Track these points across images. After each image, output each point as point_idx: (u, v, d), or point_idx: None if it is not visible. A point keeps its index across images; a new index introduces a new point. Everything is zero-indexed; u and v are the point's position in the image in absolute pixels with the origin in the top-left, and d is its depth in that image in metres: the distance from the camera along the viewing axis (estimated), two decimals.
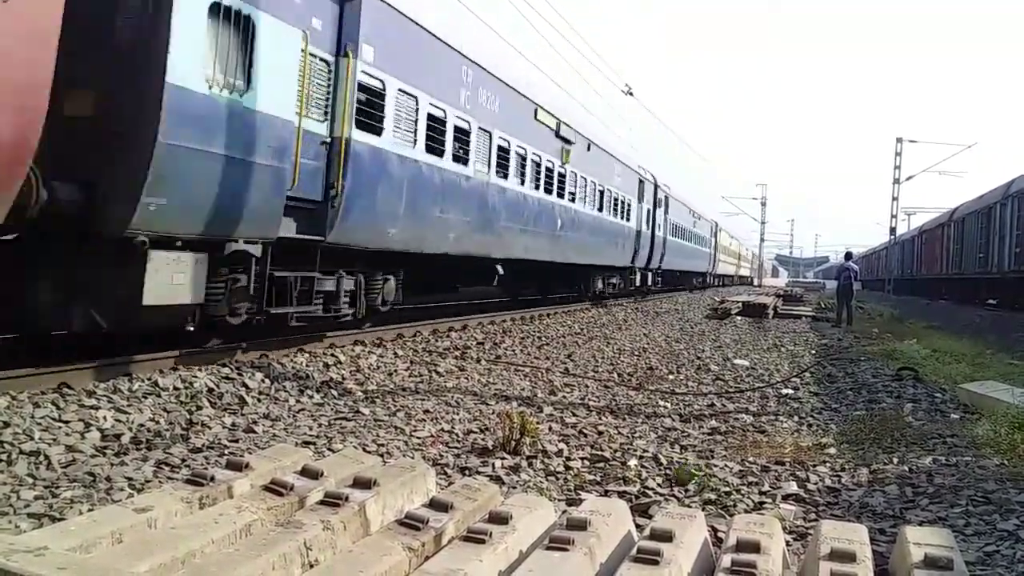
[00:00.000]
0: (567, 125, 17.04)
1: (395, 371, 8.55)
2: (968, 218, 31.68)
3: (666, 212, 30.21)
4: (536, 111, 15.10)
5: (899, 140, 40.33)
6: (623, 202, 23.06)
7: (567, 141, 17.01)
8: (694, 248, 39.80)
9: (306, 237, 8.20)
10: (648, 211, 26.77)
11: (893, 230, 43.45)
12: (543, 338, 13.07)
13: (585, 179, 18.71)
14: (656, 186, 28.17)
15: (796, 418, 7.17)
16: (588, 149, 18.83)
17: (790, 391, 8.78)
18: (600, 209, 20.40)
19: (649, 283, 28.77)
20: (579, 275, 20.85)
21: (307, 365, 8.16)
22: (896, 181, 40.98)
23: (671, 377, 9.75)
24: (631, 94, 27.70)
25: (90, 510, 3.47)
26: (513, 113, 13.81)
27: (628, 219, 23.70)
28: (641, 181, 25.85)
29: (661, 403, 7.79)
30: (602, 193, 20.49)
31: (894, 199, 41.41)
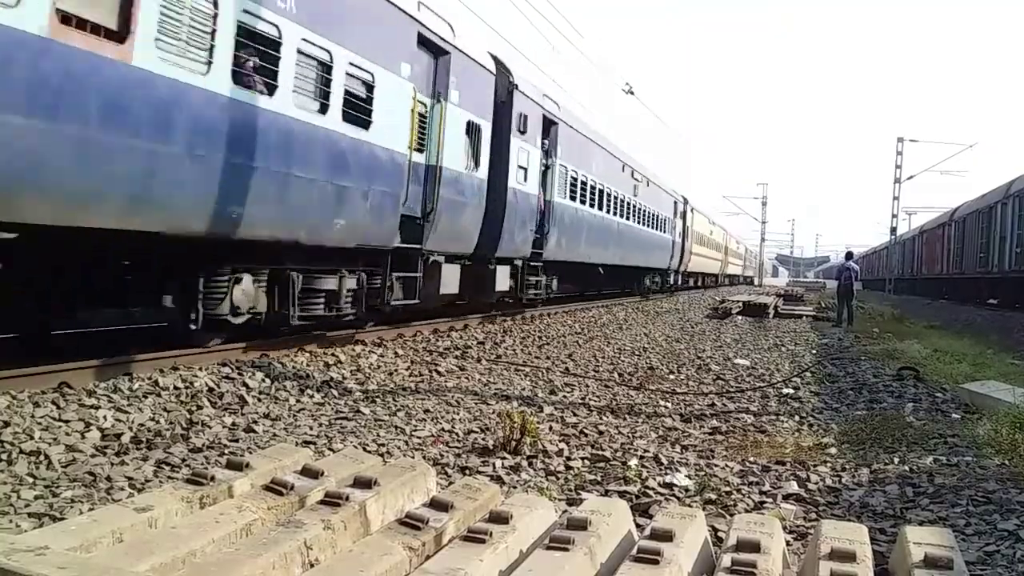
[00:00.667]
0: None
1: (395, 371, 8.55)
2: (969, 218, 31.69)
3: (552, 151, 16.05)
4: None
5: (900, 140, 40.41)
6: (330, 75, 8.36)
7: None
8: (636, 231, 24.80)
9: None
10: (478, 130, 12.25)
11: (894, 230, 43.49)
12: (544, 338, 13.06)
13: None
14: (511, 84, 13.62)
15: (797, 418, 7.17)
16: None
17: (791, 391, 8.77)
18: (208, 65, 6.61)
19: (500, 286, 14.06)
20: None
21: (307, 365, 8.16)
22: (897, 181, 41.02)
23: (672, 377, 9.75)
24: (632, 93, 27.66)
25: (90, 509, 3.47)
26: None
27: (366, 124, 9.06)
28: (431, 46, 10.72)
29: (662, 403, 7.79)
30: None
31: (895, 198, 41.46)
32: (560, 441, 5.69)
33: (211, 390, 6.56)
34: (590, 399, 7.75)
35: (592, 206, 19.52)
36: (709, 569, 2.77)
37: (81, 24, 5.41)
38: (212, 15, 6.61)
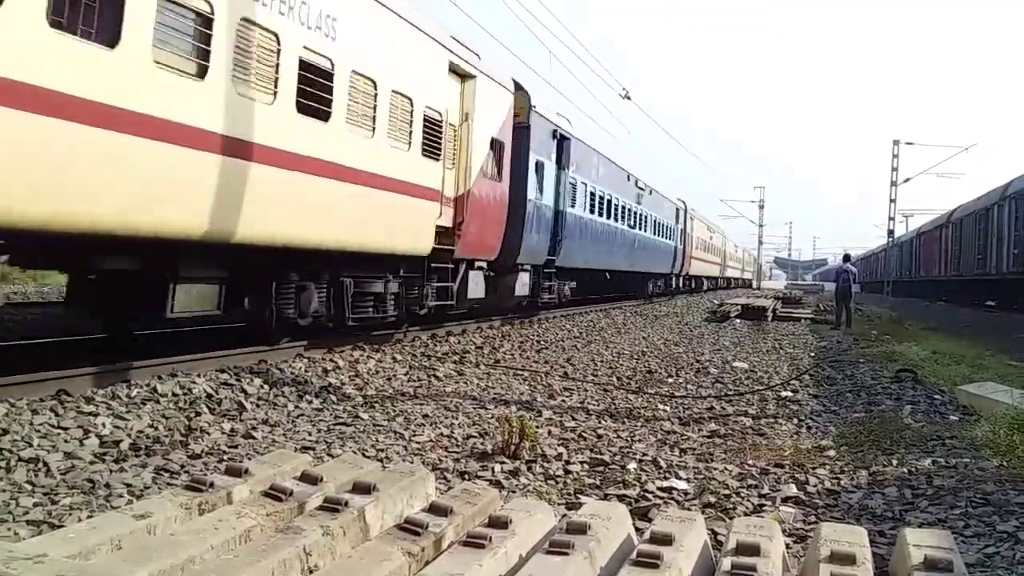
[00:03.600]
0: None
1: (394, 376, 8.54)
2: (966, 220, 31.72)
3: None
4: None
5: (896, 142, 40.41)
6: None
7: None
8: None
9: None
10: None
11: (891, 232, 43.52)
12: (542, 342, 13.06)
13: None
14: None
15: (795, 421, 7.17)
16: None
17: (789, 393, 8.77)
18: None
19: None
20: None
21: (305, 370, 8.15)
22: (894, 183, 41.05)
23: (670, 380, 9.75)
24: (628, 98, 27.71)
25: (89, 517, 3.46)
26: None
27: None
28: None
29: (660, 406, 7.78)
30: None
31: (892, 201, 41.48)
32: (559, 445, 5.68)
33: (210, 396, 6.55)
34: (589, 403, 7.75)
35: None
36: (709, 572, 2.77)
37: None
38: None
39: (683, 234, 35.36)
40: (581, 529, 2.69)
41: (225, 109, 6.88)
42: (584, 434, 6.15)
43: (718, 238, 51.57)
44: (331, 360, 8.82)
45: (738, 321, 21.16)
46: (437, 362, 9.68)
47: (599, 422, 6.77)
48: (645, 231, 26.80)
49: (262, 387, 7.09)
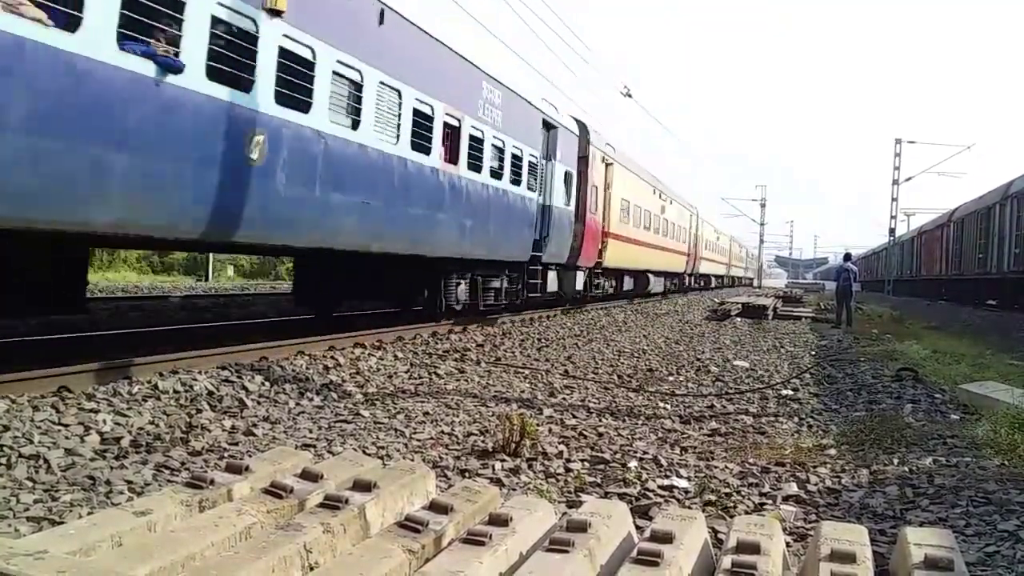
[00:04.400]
0: None
1: (395, 373, 8.54)
2: (967, 219, 31.72)
3: None
4: None
5: (898, 141, 40.40)
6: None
7: None
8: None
9: None
10: None
11: (892, 231, 43.52)
12: (543, 340, 13.06)
13: None
14: None
15: (796, 419, 7.17)
16: None
17: (790, 392, 8.77)
18: None
19: None
20: None
21: (307, 368, 8.15)
22: (895, 182, 41.03)
23: (671, 378, 9.75)
24: (629, 95, 27.67)
25: (90, 513, 3.46)
26: None
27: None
28: None
29: (661, 405, 7.78)
30: None
31: (893, 200, 41.48)
32: (559, 443, 5.68)
33: (211, 393, 6.55)
34: (589, 401, 7.75)
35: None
36: (709, 571, 2.77)
37: None
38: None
39: (578, 183, 18.40)
40: (581, 527, 2.69)
41: None
42: (585, 432, 6.15)
43: (677, 212, 33.40)
44: (332, 358, 8.82)
45: (739, 319, 21.16)
46: (438, 360, 9.68)
47: (600, 420, 6.76)
48: (385, 137, 9.98)
49: (263, 384, 7.10)
